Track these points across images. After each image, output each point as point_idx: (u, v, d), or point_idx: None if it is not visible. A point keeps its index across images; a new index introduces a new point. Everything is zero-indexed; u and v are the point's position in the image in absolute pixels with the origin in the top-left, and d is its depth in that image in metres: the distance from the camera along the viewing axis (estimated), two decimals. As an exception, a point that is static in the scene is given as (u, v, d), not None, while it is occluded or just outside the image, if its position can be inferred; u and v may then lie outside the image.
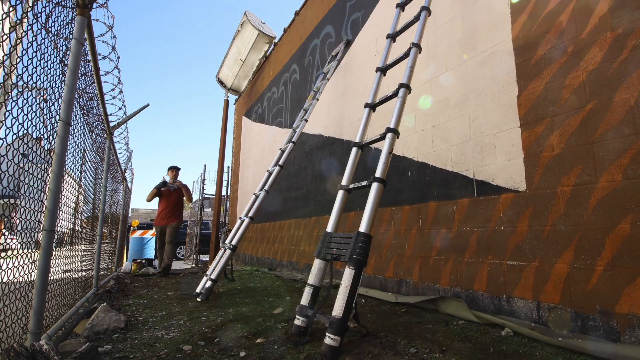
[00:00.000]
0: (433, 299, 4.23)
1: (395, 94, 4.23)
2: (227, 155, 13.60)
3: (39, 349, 2.26)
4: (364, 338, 3.21)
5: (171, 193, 9.44)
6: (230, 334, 3.56)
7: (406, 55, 4.42)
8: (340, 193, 4.23)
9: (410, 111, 5.12)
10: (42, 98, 2.79)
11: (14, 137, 2.35)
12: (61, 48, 3.26)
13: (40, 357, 2.21)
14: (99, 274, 6.19)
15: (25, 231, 2.87)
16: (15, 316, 2.57)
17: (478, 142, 4.09)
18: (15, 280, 2.51)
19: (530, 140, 3.56)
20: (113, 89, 5.83)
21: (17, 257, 2.62)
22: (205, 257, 15.69)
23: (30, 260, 2.77)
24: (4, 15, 2.21)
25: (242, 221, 6.48)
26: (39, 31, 2.62)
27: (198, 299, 5.39)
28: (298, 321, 3.54)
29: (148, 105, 7.34)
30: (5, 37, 2.26)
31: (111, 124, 6.54)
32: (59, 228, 3.30)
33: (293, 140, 6.85)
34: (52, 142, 2.90)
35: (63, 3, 3.15)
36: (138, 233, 12.21)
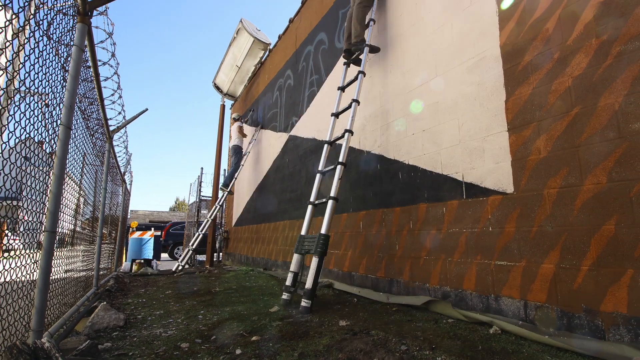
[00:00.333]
0: (424, 300, 4.22)
1: (342, 136, 5.36)
2: (223, 158, 13.59)
3: (40, 346, 2.25)
4: (356, 336, 3.19)
5: None
6: (226, 332, 3.54)
7: (349, 107, 5.53)
8: (309, 207, 5.54)
9: (401, 115, 5.11)
10: (43, 103, 2.79)
11: (17, 140, 2.36)
12: (62, 54, 3.27)
13: (42, 355, 2.20)
14: (99, 273, 6.19)
15: (28, 232, 2.89)
16: (18, 314, 2.57)
17: (467, 146, 4.08)
18: (18, 279, 2.51)
19: (518, 144, 3.55)
20: (113, 94, 5.85)
21: (19, 257, 2.62)
22: (202, 257, 15.65)
23: (32, 261, 2.77)
24: (7, 23, 2.21)
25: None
26: (40, 38, 2.63)
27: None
28: (285, 296, 4.86)
29: (147, 110, 7.35)
30: (8, 43, 2.25)
31: (111, 128, 6.55)
32: (60, 229, 3.31)
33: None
34: (54, 146, 2.92)
35: (64, 11, 3.17)
36: (137, 234, 12.14)
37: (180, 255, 17.47)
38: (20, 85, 2.41)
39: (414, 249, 4.65)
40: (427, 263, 4.42)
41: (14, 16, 2.26)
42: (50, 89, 2.90)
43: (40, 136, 2.76)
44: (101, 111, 5.49)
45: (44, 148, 2.99)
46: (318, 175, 5.63)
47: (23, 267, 2.60)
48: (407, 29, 5.18)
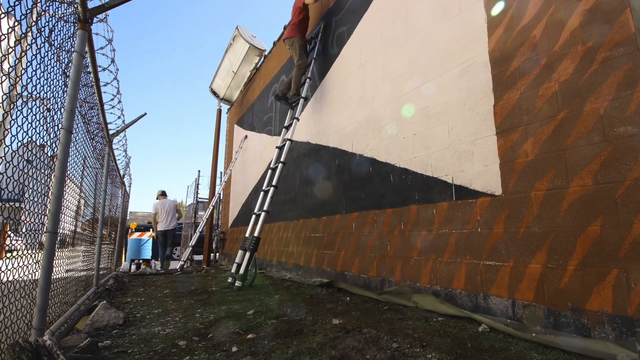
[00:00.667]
0: (408, 295, 4.21)
1: (283, 145, 6.89)
2: (220, 161, 13.55)
3: (42, 344, 2.25)
4: (349, 334, 3.17)
5: None
6: (222, 330, 3.53)
7: (290, 125, 7.31)
8: (253, 217, 7.07)
9: (393, 120, 5.10)
10: (45, 107, 2.79)
11: (19, 144, 2.38)
12: (63, 60, 3.28)
13: (44, 352, 2.20)
14: (99, 273, 6.20)
15: (30, 233, 2.94)
16: (20, 313, 2.58)
17: (456, 149, 4.07)
18: (20, 279, 2.53)
19: (506, 147, 3.54)
20: (112, 99, 5.84)
21: (22, 258, 2.64)
22: (199, 257, 15.58)
23: (34, 261, 2.77)
24: (10, 29, 2.21)
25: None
26: (42, 44, 2.63)
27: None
28: (230, 279, 6.38)
29: (145, 114, 7.32)
30: (10, 49, 2.25)
31: (110, 132, 6.55)
32: (61, 230, 3.33)
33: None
34: (55, 149, 2.91)
35: (65, 18, 3.20)
36: (136, 235, 12.12)
37: (178, 256, 17.45)
38: (23, 90, 2.40)
39: (405, 249, 4.63)
40: (418, 263, 4.40)
41: (16, 23, 2.26)
42: (51, 94, 2.91)
43: (42, 140, 2.76)
44: (101, 115, 5.49)
45: (46, 151, 2.99)
46: (272, 189, 6.84)
47: (25, 267, 2.61)
48: (399, 35, 5.17)
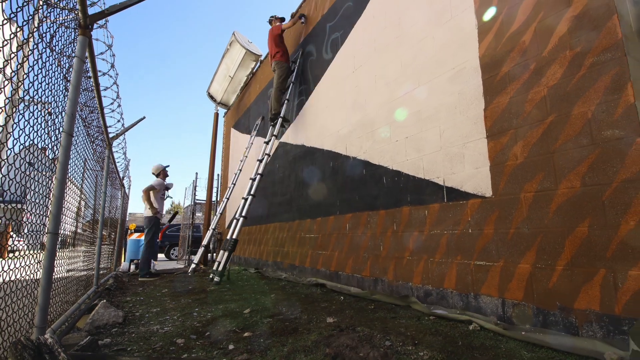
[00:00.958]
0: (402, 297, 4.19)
1: (262, 158, 7.78)
2: (217, 163, 13.52)
3: (44, 342, 2.24)
4: (343, 332, 3.15)
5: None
6: (219, 328, 3.53)
7: (269, 141, 8.06)
8: (234, 221, 7.56)
9: (386, 123, 5.08)
10: (46, 111, 2.80)
11: (21, 147, 2.38)
12: (64, 65, 3.28)
13: (45, 350, 2.19)
14: (99, 273, 6.21)
15: (32, 234, 2.93)
16: (22, 312, 2.59)
17: (448, 152, 4.05)
18: (22, 278, 2.55)
19: (496, 150, 3.53)
20: (112, 103, 5.83)
21: (24, 258, 2.64)
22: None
23: (36, 261, 2.79)
24: (12, 35, 2.21)
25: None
26: (44, 50, 2.64)
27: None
28: (212, 276, 6.99)
29: (144, 118, 7.30)
30: (13, 55, 2.26)
31: (110, 135, 6.54)
32: (62, 231, 3.35)
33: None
34: (56, 152, 2.93)
35: (66, 24, 3.18)
36: (135, 235, 12.03)
37: (176, 256, 17.38)
38: (25, 94, 2.42)
39: (398, 250, 4.61)
40: (410, 263, 4.38)
41: (18, 29, 2.26)
42: (52, 98, 2.91)
43: (43, 143, 2.78)
44: (101, 119, 5.48)
45: (47, 154, 3.00)
46: (250, 198, 7.62)
47: (27, 267, 2.63)
48: (392, 41, 5.16)
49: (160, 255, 18.00)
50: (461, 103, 3.95)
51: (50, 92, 2.83)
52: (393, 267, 4.65)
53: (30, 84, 2.45)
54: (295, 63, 8.41)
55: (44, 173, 3.02)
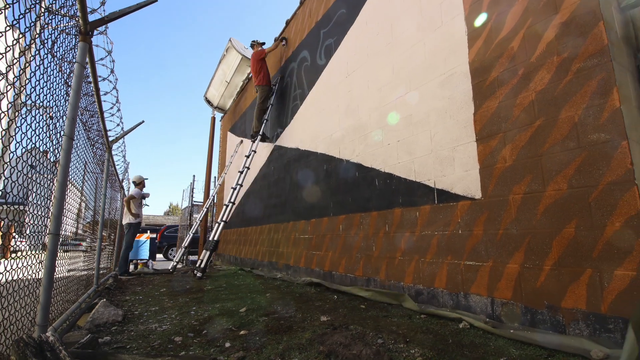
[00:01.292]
0: (395, 295, 4.17)
1: (243, 170, 8.43)
2: (213, 166, 13.48)
3: (45, 340, 2.26)
4: (336, 330, 3.13)
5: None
6: (216, 326, 3.52)
7: (249, 155, 8.56)
8: (216, 224, 8.24)
9: (378, 127, 5.07)
10: (48, 115, 2.81)
11: (23, 150, 2.38)
12: (65, 71, 3.29)
13: (47, 347, 2.21)
14: (99, 272, 6.19)
15: (33, 234, 2.93)
16: (25, 310, 2.62)
17: (438, 155, 4.04)
18: (25, 278, 2.58)
19: (485, 153, 3.52)
20: (112, 107, 5.84)
21: (26, 258, 2.68)
22: (194, 257, 15.47)
23: (38, 261, 2.82)
24: (14, 41, 2.22)
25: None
26: (45, 55, 2.64)
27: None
28: (195, 272, 7.67)
29: (143, 122, 7.27)
30: (15, 60, 2.28)
31: (110, 139, 6.52)
32: (63, 232, 3.35)
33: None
34: (57, 155, 2.93)
35: (67, 30, 3.20)
36: (134, 236, 11.98)
37: (174, 256, 17.31)
38: (27, 99, 2.42)
39: (390, 250, 4.59)
40: (402, 263, 4.36)
41: (21, 35, 2.26)
42: (54, 103, 2.92)
43: (44, 146, 2.78)
44: (101, 123, 5.46)
45: (49, 157, 3.01)
46: (230, 205, 8.24)
47: (29, 267, 2.66)
48: (384, 47, 5.15)
49: (159, 256, 17.95)
50: (451, 107, 3.94)
51: (51, 97, 2.83)
52: (385, 267, 4.62)
53: (32, 89, 2.45)
54: (275, 86, 9.01)
55: (45, 175, 3.03)
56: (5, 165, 2.14)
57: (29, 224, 2.85)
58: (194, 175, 15.85)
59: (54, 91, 2.90)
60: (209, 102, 13.99)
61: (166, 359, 2.47)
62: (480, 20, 3.71)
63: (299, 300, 4.68)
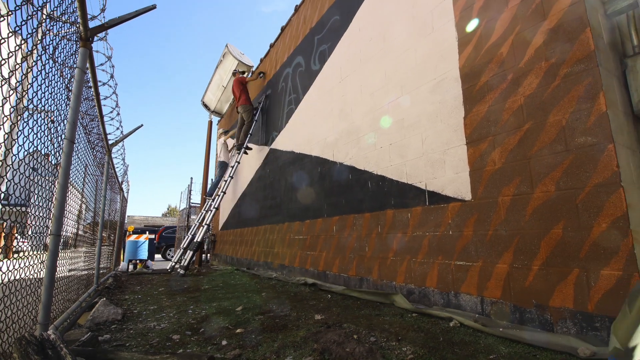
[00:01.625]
0: (385, 294, 4.15)
1: (227, 180, 9.25)
2: (210, 169, 13.41)
3: (47, 338, 2.25)
4: (330, 328, 3.11)
5: None
6: (213, 325, 3.51)
7: (233, 166, 9.39)
8: (200, 228, 9.02)
9: (371, 131, 5.05)
10: (49, 119, 2.81)
11: (25, 153, 2.39)
12: (66, 76, 3.30)
13: (48, 345, 2.20)
14: (99, 272, 6.18)
15: (35, 235, 2.95)
16: (26, 309, 2.64)
17: (430, 158, 4.03)
18: (27, 278, 2.59)
19: (475, 156, 3.51)
20: (111, 111, 5.83)
21: (28, 258, 2.70)
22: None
23: (39, 261, 2.82)
24: (17, 47, 2.22)
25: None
26: (46, 61, 2.64)
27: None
28: (179, 270, 8.03)
29: (142, 125, 7.21)
30: (17, 65, 2.27)
31: (110, 142, 6.50)
32: (64, 232, 3.38)
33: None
34: (58, 158, 2.93)
35: (68, 36, 3.20)
36: (133, 237, 11.95)
37: (172, 257, 17.25)
38: (29, 103, 2.43)
39: (382, 251, 4.56)
40: (394, 263, 4.34)
41: (23, 41, 2.26)
42: (55, 107, 2.91)
43: (46, 149, 2.78)
44: (101, 127, 5.44)
45: (50, 160, 3.03)
46: (214, 210, 9.11)
47: (31, 267, 2.66)
48: (377, 53, 5.13)
49: (157, 256, 17.89)
50: (442, 111, 3.93)
51: (52, 101, 2.82)
52: (377, 267, 4.60)
53: (34, 94, 2.45)
54: (260, 104, 9.77)
55: (47, 178, 3.03)
56: (8, 168, 2.13)
57: (31, 225, 2.83)
58: (191, 178, 15.69)
59: (55, 96, 2.89)
60: (206, 106, 13.93)
61: (164, 357, 2.45)
62: (470, 26, 3.71)
63: (293, 299, 4.65)
